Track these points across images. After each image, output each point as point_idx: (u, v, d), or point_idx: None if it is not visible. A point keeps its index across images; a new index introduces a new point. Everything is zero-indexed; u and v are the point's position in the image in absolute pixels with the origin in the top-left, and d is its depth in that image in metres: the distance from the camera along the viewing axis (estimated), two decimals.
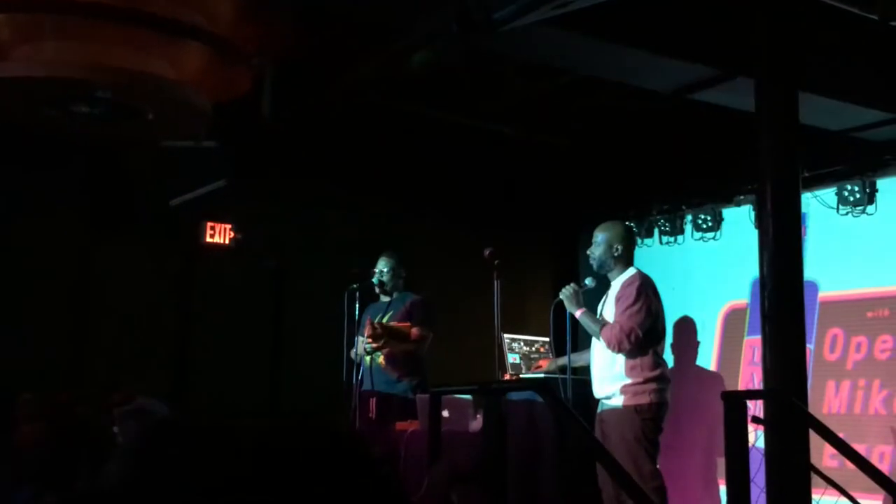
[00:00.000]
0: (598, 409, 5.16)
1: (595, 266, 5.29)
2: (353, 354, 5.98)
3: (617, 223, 5.39)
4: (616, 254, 5.22)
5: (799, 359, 4.58)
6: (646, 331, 5.00)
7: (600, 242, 5.25)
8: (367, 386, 5.92)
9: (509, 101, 7.08)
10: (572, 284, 5.25)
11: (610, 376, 5.07)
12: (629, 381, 5.00)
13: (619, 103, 7.04)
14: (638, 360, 5.01)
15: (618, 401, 5.01)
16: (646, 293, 5.06)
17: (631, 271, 5.21)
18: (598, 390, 5.16)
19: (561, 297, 5.22)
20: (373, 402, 5.87)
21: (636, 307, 5.01)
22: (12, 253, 6.31)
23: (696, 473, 6.84)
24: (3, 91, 4.57)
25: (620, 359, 5.04)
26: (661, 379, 5.04)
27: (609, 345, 5.03)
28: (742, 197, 7.09)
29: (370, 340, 5.80)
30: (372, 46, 5.40)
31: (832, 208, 6.58)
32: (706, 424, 6.50)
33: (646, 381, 4.98)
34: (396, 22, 4.91)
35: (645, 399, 4.96)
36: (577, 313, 5.16)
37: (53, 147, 6.07)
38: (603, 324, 5.09)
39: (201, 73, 4.68)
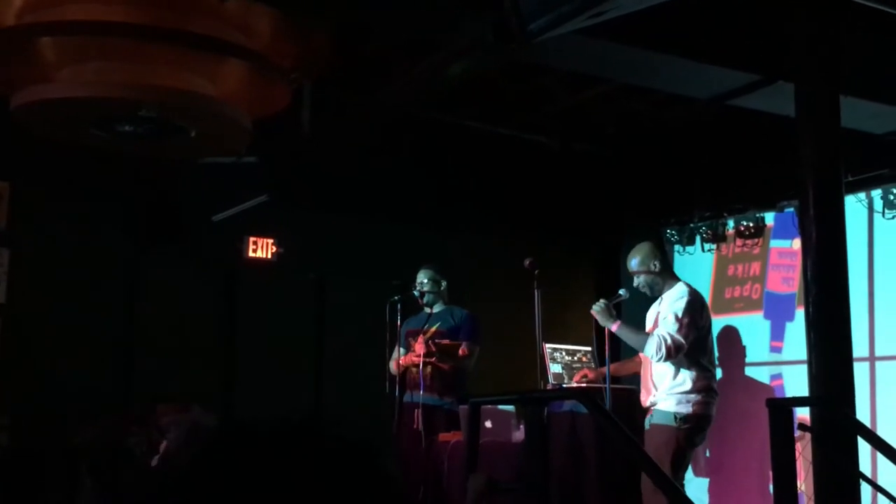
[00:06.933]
0: (646, 419, 5.17)
1: (649, 292, 5.33)
2: (391, 366, 6.01)
3: (638, 246, 5.42)
4: (656, 269, 5.26)
5: (846, 365, 4.51)
6: (691, 343, 5.01)
7: (638, 270, 5.30)
8: (410, 398, 5.95)
9: (549, 111, 7.08)
10: (602, 300, 5.28)
11: (657, 385, 5.11)
12: (674, 389, 5.03)
13: (659, 111, 7.01)
14: (684, 371, 5.04)
15: (661, 407, 5.04)
16: (693, 308, 5.10)
17: (680, 286, 5.25)
18: (645, 399, 5.18)
19: (593, 314, 5.24)
20: (418, 413, 5.89)
21: (684, 320, 5.04)
22: (60, 269, 6.43)
23: (751, 484, 6.76)
24: (50, 112, 4.67)
25: (669, 368, 5.06)
26: (707, 391, 5.05)
27: (654, 354, 5.04)
28: (785, 202, 7.01)
29: (421, 358, 5.87)
30: (409, 59, 5.43)
31: (878, 212, 6.49)
32: (758, 434, 6.43)
33: (690, 392, 5.01)
34: (433, 34, 4.93)
35: (686, 409, 4.98)
36: (613, 327, 5.20)
37: (98, 166, 6.18)
38: (645, 334, 5.10)
39: (242, 90, 4.74)
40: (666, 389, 5.05)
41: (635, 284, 5.37)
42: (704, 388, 5.04)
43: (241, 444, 1.20)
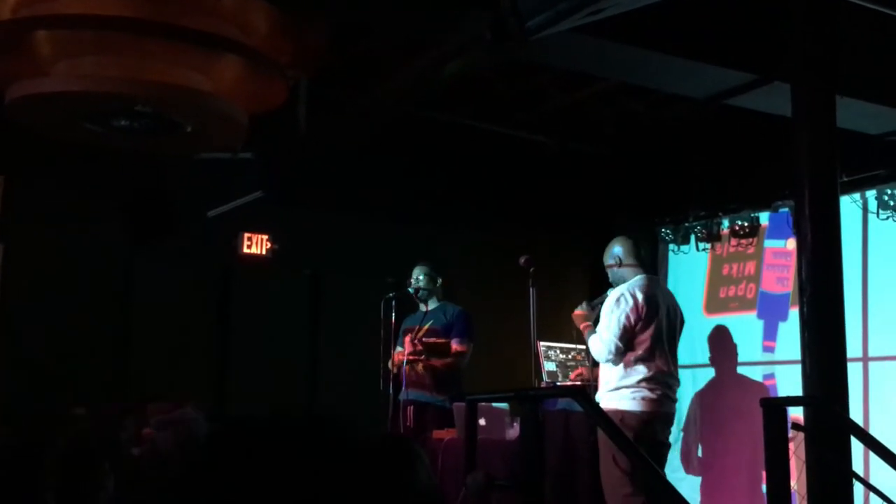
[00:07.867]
0: None
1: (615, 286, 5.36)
2: (389, 364, 6.01)
3: (613, 240, 5.43)
4: (617, 264, 5.27)
5: (839, 365, 4.51)
6: (626, 340, 5.02)
7: (608, 264, 5.35)
8: (403, 395, 5.95)
9: (546, 110, 7.08)
10: (584, 302, 5.32)
11: (602, 382, 5.18)
12: (604, 387, 5.10)
13: (655, 110, 7.02)
14: (611, 369, 5.09)
15: (602, 405, 5.05)
16: (623, 302, 5.07)
17: (628, 283, 5.19)
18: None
19: (573, 316, 5.32)
20: (410, 410, 5.90)
21: (611, 317, 5.06)
22: (55, 264, 6.42)
23: (743, 483, 6.76)
24: (45, 106, 4.65)
25: (603, 366, 5.16)
26: (636, 388, 5.01)
27: (593, 354, 5.15)
28: (780, 202, 7.02)
29: (410, 357, 5.87)
30: (406, 57, 5.42)
31: (872, 212, 6.51)
32: (751, 432, 6.43)
33: (616, 389, 5.04)
34: (430, 31, 4.92)
35: (612, 405, 4.98)
36: (581, 326, 5.29)
37: (93, 161, 6.17)
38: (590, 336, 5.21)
39: (237, 86, 4.72)
40: (601, 386, 5.14)
41: (610, 280, 5.39)
42: (630, 385, 4.99)
43: (236, 441, 1.19)
